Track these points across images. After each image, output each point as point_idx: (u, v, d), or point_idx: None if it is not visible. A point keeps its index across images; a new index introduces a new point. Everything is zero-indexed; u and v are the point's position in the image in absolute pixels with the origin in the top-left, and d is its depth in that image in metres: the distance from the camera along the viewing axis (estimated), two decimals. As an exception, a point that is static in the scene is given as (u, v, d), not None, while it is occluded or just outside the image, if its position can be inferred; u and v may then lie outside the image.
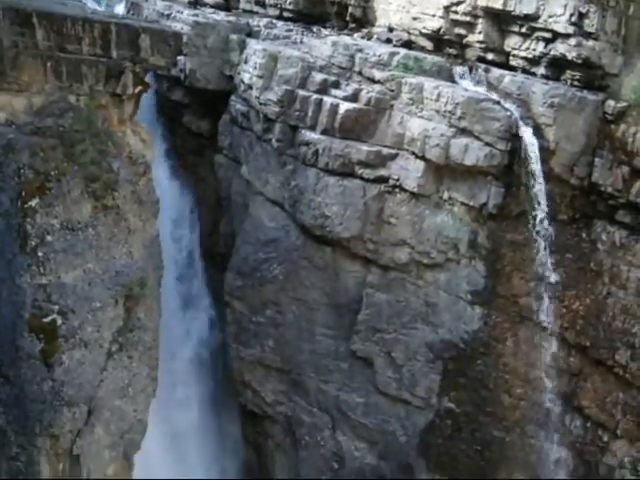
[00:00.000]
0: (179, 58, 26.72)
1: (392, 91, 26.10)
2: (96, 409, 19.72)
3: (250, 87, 27.98)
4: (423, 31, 27.68)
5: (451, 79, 26.40)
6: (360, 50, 26.89)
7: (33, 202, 18.31)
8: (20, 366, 18.30)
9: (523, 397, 26.37)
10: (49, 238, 18.45)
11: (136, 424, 21.06)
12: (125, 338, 20.50)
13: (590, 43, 24.83)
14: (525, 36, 25.84)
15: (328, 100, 26.42)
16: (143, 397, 21.32)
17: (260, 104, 27.60)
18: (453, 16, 26.75)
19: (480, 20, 26.36)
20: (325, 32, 29.71)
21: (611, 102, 24.70)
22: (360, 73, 26.77)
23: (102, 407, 19.88)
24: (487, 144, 24.85)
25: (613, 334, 25.17)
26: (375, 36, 28.68)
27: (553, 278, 25.45)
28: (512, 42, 26.28)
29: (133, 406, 20.88)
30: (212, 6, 32.27)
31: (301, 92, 26.84)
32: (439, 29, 27.20)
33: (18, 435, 18.35)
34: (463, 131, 25.04)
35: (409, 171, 25.89)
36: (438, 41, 27.69)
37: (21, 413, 18.32)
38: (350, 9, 29.71)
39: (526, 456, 26.62)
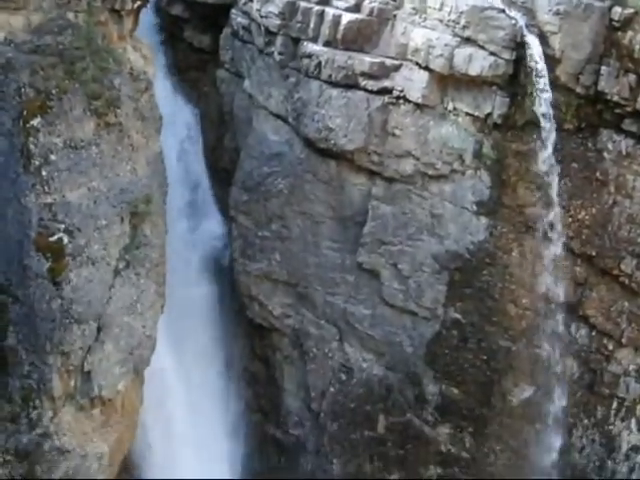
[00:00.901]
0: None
1: (395, 1, 25.69)
2: (105, 326, 19.87)
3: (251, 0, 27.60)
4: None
5: (454, -13, 25.95)
6: (362, -41, 26.40)
7: (35, 121, 18.17)
8: (29, 285, 18.39)
9: (529, 307, 26.52)
10: (53, 157, 18.38)
11: (145, 340, 21.23)
12: (132, 255, 20.55)
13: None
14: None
15: (330, 11, 26.02)
16: (151, 313, 21.46)
17: (261, 17, 27.20)
18: None
19: None
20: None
21: (618, 9, 24.11)
22: (362, -17, 26.34)
23: (111, 324, 20.02)
24: (492, 53, 24.48)
25: (619, 243, 25.19)
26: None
27: (558, 188, 25.42)
28: (515, -54, 25.76)
29: (142, 322, 21.02)
30: None
31: (302, 3, 26.39)
32: None
33: (29, 353, 18.54)
34: (467, 40, 24.66)
35: (413, 82, 25.61)
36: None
37: (31, 331, 18.48)
38: None
39: (532, 365, 26.92)
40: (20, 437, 18.56)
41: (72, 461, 19.44)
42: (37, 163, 18.22)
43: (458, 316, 27.33)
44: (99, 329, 19.79)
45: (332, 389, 28.85)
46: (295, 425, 29.63)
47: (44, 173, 18.27)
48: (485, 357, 27.24)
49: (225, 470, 28.65)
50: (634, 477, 28.02)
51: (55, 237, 18.65)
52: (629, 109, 24.09)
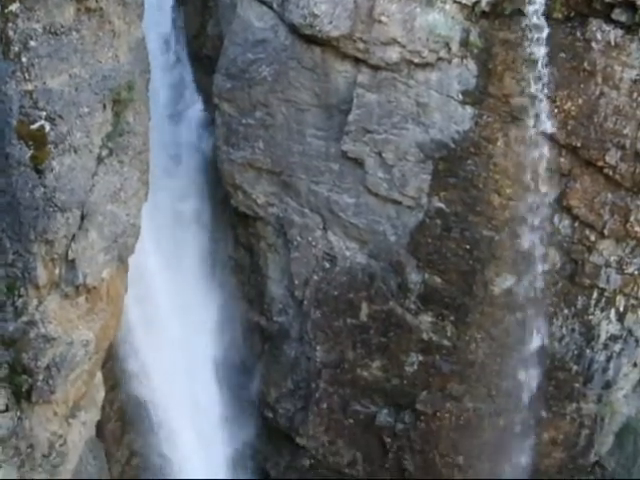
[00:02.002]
0: None
1: None
2: (89, 214, 19.68)
3: None
4: None
5: None
6: None
7: (13, 7, 17.62)
8: (11, 174, 18.15)
9: (512, 197, 26.59)
10: (32, 43, 17.92)
11: (129, 228, 21.07)
12: (115, 143, 20.27)
13: None
14: None
15: None
16: (135, 201, 21.28)
17: None
18: None
19: None
20: None
21: None
22: None
23: (95, 212, 19.83)
24: (480, -62, 24.06)
25: (604, 135, 25.14)
26: None
27: (545, 78, 25.20)
28: None
29: (126, 210, 20.83)
30: None
31: None
32: None
33: (13, 242, 18.45)
34: None
35: (400, -32, 25.14)
36: None
37: (15, 220, 18.34)
38: None
39: (514, 255, 27.15)
40: (6, 325, 18.59)
41: (58, 348, 19.49)
42: (16, 49, 17.77)
43: (442, 205, 27.38)
44: (83, 217, 19.60)
45: (316, 277, 29.04)
46: (279, 312, 29.93)
47: (24, 60, 17.85)
48: (468, 246, 27.43)
49: (209, 357, 29.03)
50: (611, 366, 28.71)
51: (37, 125, 18.34)
52: (619, -2, 23.77)
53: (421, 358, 29.20)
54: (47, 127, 18.40)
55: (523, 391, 28.83)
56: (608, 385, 29.34)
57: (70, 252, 19.33)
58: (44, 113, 18.32)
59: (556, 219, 26.83)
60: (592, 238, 26.68)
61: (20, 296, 18.81)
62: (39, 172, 18.46)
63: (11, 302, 18.72)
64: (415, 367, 29.35)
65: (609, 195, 25.98)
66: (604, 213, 26.17)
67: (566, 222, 26.78)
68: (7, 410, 18.94)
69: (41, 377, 19.30)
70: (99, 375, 22.31)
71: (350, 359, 29.60)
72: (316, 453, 30.77)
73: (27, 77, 18.00)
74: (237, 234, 29.85)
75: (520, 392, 28.85)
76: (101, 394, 22.57)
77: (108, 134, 20.00)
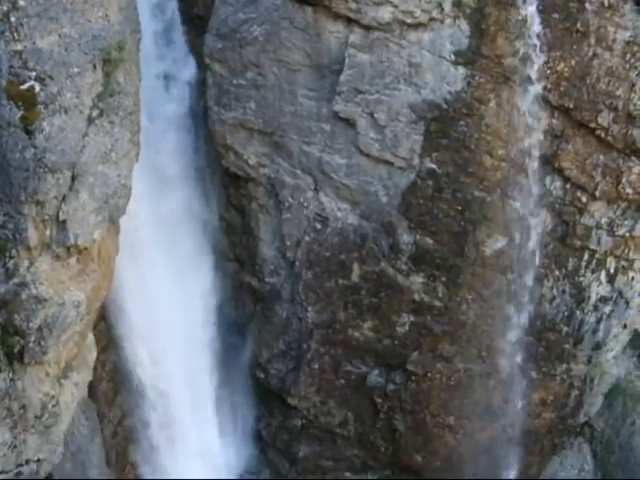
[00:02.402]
0: None
1: None
2: (80, 175, 19.60)
3: None
4: None
5: None
6: None
7: (2, -35, 17.60)
8: (1, 135, 18.09)
9: (504, 158, 26.56)
10: (21, 2, 17.71)
11: (120, 188, 21.01)
12: (105, 103, 20.14)
13: None
14: None
15: None
16: (126, 162, 21.20)
17: None
18: None
19: None
20: None
21: None
22: None
23: (86, 173, 19.76)
24: None
25: (597, 96, 25.10)
26: None
27: (538, 39, 25.07)
28: None
29: (117, 171, 20.76)
30: None
31: None
32: None
33: (4, 203, 18.39)
34: None
35: None
36: None
37: (5, 182, 18.27)
38: None
39: (505, 216, 27.17)
40: (-2, 287, 18.75)
41: (50, 309, 19.53)
42: (5, 9, 17.61)
43: (434, 166, 27.32)
44: (73, 178, 19.53)
45: (307, 238, 29.01)
46: (270, 273, 29.93)
47: (13, 19, 17.68)
48: (460, 207, 27.43)
49: (200, 318, 29.06)
50: (601, 327, 28.88)
51: (26, 85, 18.22)
52: (614, -43, 23.63)
53: (412, 319, 29.28)
54: (37, 87, 18.28)
55: (513, 352, 29.02)
56: (598, 346, 29.57)
57: (61, 213, 19.30)
58: (34, 73, 18.20)
59: (547, 181, 26.85)
60: (583, 200, 26.73)
61: (11, 257, 18.81)
62: (29, 133, 18.37)
63: (2, 264, 18.73)
64: (406, 328, 29.45)
65: (601, 157, 25.99)
66: (596, 175, 26.19)
67: (557, 184, 26.81)
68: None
69: (33, 338, 19.37)
70: (91, 336, 22.40)
71: (341, 320, 29.67)
72: (307, 413, 30.94)
73: (16, 37, 17.85)
74: (228, 195, 29.76)
75: (510, 353, 29.03)
76: (93, 355, 22.66)
77: (98, 94, 19.86)
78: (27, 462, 20.28)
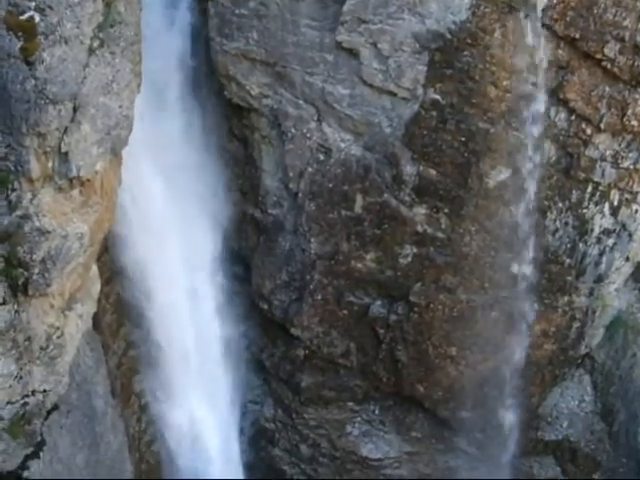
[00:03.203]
0: None
1: None
2: (81, 106, 19.47)
3: None
4: None
5: None
6: None
7: None
8: (1, 66, 17.98)
9: (509, 89, 26.31)
10: None
11: (122, 120, 20.88)
12: (106, 33, 19.93)
13: None
14: None
15: None
16: (128, 93, 21.03)
17: None
18: None
19: None
20: None
21: None
22: None
23: (87, 104, 19.62)
24: None
25: (603, 27, 24.81)
26: None
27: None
28: None
29: (118, 102, 20.61)
30: None
31: None
32: None
33: (5, 135, 18.29)
34: None
35: None
36: None
37: (6, 113, 18.14)
38: None
39: (510, 148, 27.06)
40: (0, 219, 18.62)
41: (53, 241, 19.55)
42: (3, -64, 17.44)
43: (437, 97, 27.09)
44: (75, 109, 19.41)
45: (310, 169, 28.92)
46: (273, 205, 29.92)
47: (11, -51, 17.52)
48: (463, 139, 27.28)
49: (204, 248, 29.10)
50: (604, 260, 28.95)
51: (26, 15, 18.02)
52: None
53: (415, 250, 29.32)
54: (37, 18, 18.09)
55: (516, 284, 29.13)
56: (600, 279, 29.67)
57: (63, 145, 19.21)
58: (33, 3, 18.01)
59: (552, 112, 26.66)
60: (588, 132, 26.59)
61: (14, 190, 18.77)
62: (29, 64, 18.22)
63: (4, 196, 18.70)
64: (409, 259, 29.50)
65: (607, 88, 25.77)
66: (601, 106, 26.00)
67: (562, 115, 26.63)
68: (4, 303, 19.09)
69: (37, 270, 19.42)
70: (94, 268, 22.47)
71: (344, 251, 29.72)
72: (310, 344, 31.17)
73: (15, -34, 17.64)
74: (231, 126, 29.61)
75: (513, 284, 29.14)
76: (97, 287, 22.75)
77: (99, 25, 19.66)
78: (33, 393, 20.48)
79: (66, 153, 19.34)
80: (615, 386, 31.11)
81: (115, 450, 25.98)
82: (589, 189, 27.85)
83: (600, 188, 27.81)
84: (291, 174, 29.11)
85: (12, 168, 18.63)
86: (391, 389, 31.95)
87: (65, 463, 22.46)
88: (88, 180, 20.13)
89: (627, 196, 28.07)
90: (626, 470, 30.64)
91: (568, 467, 32.36)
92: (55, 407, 21.94)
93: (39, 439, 21.29)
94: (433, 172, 27.97)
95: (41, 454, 21.30)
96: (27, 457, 20.87)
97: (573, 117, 26.51)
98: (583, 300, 30.03)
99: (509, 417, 31.23)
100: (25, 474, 20.80)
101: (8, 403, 19.94)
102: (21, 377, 19.98)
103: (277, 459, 33.56)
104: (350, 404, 32.53)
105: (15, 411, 20.22)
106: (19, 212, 18.96)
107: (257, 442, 33.55)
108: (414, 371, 31.05)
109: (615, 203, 28.18)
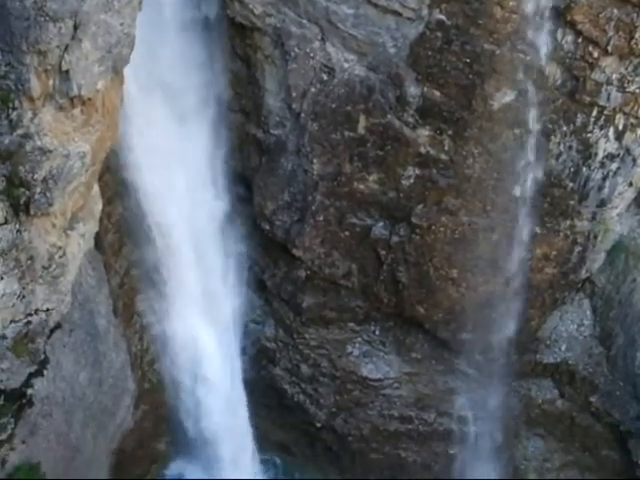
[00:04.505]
0: None
1: None
2: (82, 24, 19.23)
3: None
4: None
5: None
6: None
7: None
8: (-1, -14, 17.77)
9: (515, 10, 25.97)
10: None
11: (124, 38, 20.66)
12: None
13: None
14: None
15: None
16: (129, 10, 20.71)
17: None
18: None
19: None
20: None
21: None
22: None
23: (88, 21, 19.37)
24: None
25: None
26: None
27: None
28: None
29: (119, 20, 20.33)
30: None
31: None
32: None
33: (5, 54, 18.12)
34: None
35: None
36: None
37: (6, 31, 17.94)
38: None
39: (515, 70, 26.79)
40: (1, 138, 18.58)
41: (55, 160, 19.53)
42: None
43: (443, 17, 26.76)
44: (75, 27, 19.18)
45: (313, 89, 28.68)
46: (276, 125, 29.71)
47: None
48: (468, 60, 27.01)
49: (205, 168, 28.97)
50: (607, 184, 28.87)
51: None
52: None
53: (418, 172, 29.23)
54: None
55: (518, 207, 29.10)
56: (603, 203, 29.61)
57: (63, 63, 19.06)
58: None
59: (559, 34, 26.30)
60: (595, 55, 26.27)
61: (14, 109, 18.69)
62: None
63: (5, 115, 18.64)
64: (412, 180, 29.44)
65: (615, 11, 25.37)
66: (609, 29, 25.63)
67: (569, 38, 26.28)
68: (6, 223, 19.16)
69: (38, 190, 19.45)
70: (96, 187, 22.46)
71: (347, 172, 29.64)
72: (312, 265, 31.27)
73: None
74: (234, 46, 29.20)
75: (515, 208, 29.12)
76: (99, 206, 22.77)
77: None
78: (36, 312, 20.67)
79: (67, 71, 19.19)
80: (614, 310, 31.31)
81: (117, 368, 26.32)
82: (594, 113, 27.63)
83: (605, 112, 27.58)
84: (294, 94, 28.85)
85: (12, 87, 18.51)
86: (392, 310, 32.16)
87: (68, 381, 22.78)
88: (89, 99, 20.00)
89: (632, 120, 27.84)
90: (623, 393, 31.04)
91: (566, 390, 32.77)
92: (58, 326, 22.18)
93: (42, 357, 21.56)
94: (437, 93, 27.74)
95: (45, 372, 21.62)
96: (31, 375, 21.18)
97: (580, 40, 26.16)
98: (585, 224, 30.02)
99: (508, 340, 31.51)
100: (29, 392, 21.13)
101: (12, 322, 20.14)
102: (24, 296, 20.14)
103: (278, 378, 33.95)
104: (351, 324, 32.78)
105: (18, 330, 20.43)
106: (20, 131, 18.91)
107: (258, 361, 33.89)
108: (415, 292, 31.21)
109: (620, 127, 27.98)
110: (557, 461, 33.73)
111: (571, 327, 32.36)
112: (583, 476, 33.48)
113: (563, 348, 32.52)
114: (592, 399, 32.14)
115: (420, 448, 34.20)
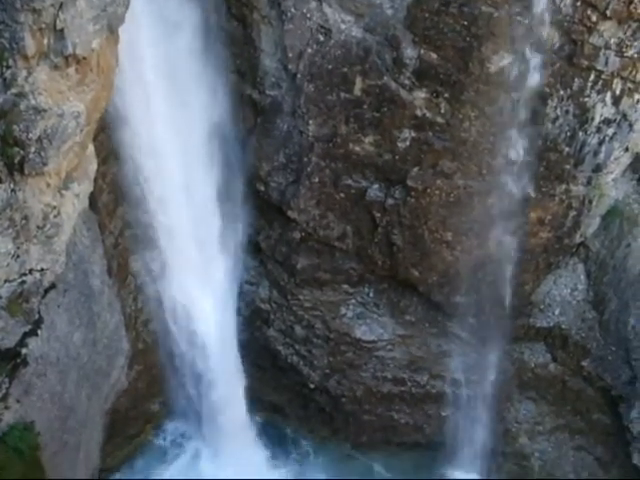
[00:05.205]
0: None
1: None
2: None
3: None
4: None
5: None
6: None
7: None
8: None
9: (514, -29, 25.88)
10: None
11: (119, -4, 20.57)
12: None
13: None
14: None
15: None
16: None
17: None
18: None
19: None
20: None
21: None
22: None
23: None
24: None
25: None
26: None
27: None
28: None
29: None
30: None
31: None
32: None
33: (-1, 11, 18.10)
34: None
35: None
36: None
37: (0, -10, 17.87)
38: None
39: (513, 33, 26.63)
40: (-5, 98, 18.53)
41: (49, 120, 19.40)
42: None
43: (439, -13, 26.59)
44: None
45: (310, 50, 28.53)
46: (272, 86, 29.58)
47: None
48: (466, 22, 26.86)
49: (201, 130, 28.84)
50: (603, 149, 28.83)
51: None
52: None
53: (414, 134, 29.15)
54: None
55: (513, 170, 29.07)
56: (598, 168, 29.58)
57: (58, 21, 18.87)
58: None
59: (557, -2, 26.27)
60: (593, 18, 26.10)
61: (8, 67, 18.52)
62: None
63: (-1, 74, 18.49)
64: (407, 143, 29.37)
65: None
66: (608, -6, 25.59)
67: (568, 1, 26.03)
68: (0, 182, 19.05)
69: (33, 149, 19.34)
70: (91, 147, 22.34)
71: (343, 133, 29.55)
72: (307, 226, 31.27)
73: None
74: (229, 5, 28.96)
75: (511, 171, 29.08)
76: (93, 166, 22.68)
77: None
78: (30, 272, 20.65)
79: (61, 30, 19.01)
80: (608, 275, 31.38)
81: (112, 329, 26.37)
82: (591, 77, 27.50)
83: (603, 77, 27.45)
84: (290, 55, 28.69)
85: (7, 45, 18.32)
86: (386, 272, 32.22)
87: (62, 341, 22.82)
88: (84, 58, 19.84)
89: (630, 85, 27.72)
90: (615, 358, 31.19)
91: (558, 354, 32.92)
92: (52, 286, 22.18)
93: (37, 317, 21.59)
94: (434, 56, 27.60)
95: (39, 332, 21.65)
96: (25, 335, 21.20)
97: (579, 3, 25.94)
98: (580, 189, 30.01)
99: (502, 303, 31.60)
100: (24, 351, 21.17)
101: (6, 281, 20.12)
102: (18, 256, 20.10)
103: (272, 339, 34.05)
104: (345, 286, 32.82)
105: (13, 289, 20.42)
106: (14, 90, 18.75)
107: (252, 322, 33.98)
108: (409, 255, 31.25)
109: (617, 92, 27.85)
110: (548, 424, 33.94)
111: (565, 291, 32.45)
112: (574, 439, 33.71)
113: (556, 312, 32.63)
114: (584, 363, 32.29)
115: (413, 410, 34.44)
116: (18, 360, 21.15)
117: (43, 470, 21.81)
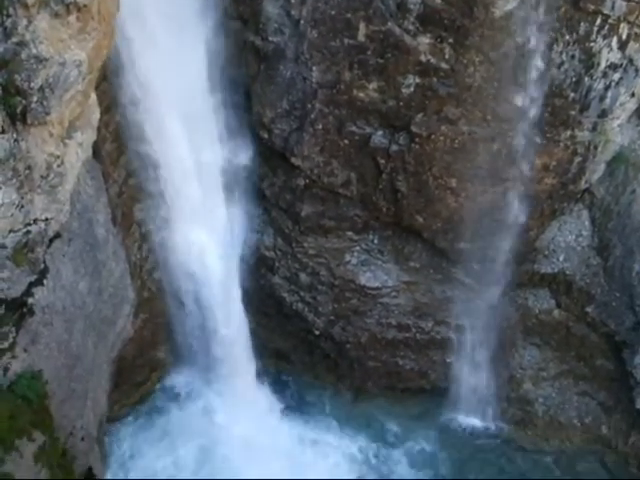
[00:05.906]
0: None
1: None
2: None
3: None
4: None
5: None
6: None
7: None
8: None
9: None
10: None
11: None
12: None
13: None
14: None
15: None
16: None
17: None
18: None
19: None
20: None
21: None
22: None
23: None
24: None
25: None
26: None
27: None
28: None
29: None
30: None
31: None
32: None
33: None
34: None
35: None
36: None
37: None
38: None
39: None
40: (-4, 48, 18.38)
41: (51, 69, 19.27)
42: None
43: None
44: None
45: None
46: (274, 32, 29.33)
47: None
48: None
49: (203, 76, 28.58)
50: (609, 95, 28.61)
51: None
52: None
53: (418, 80, 28.96)
54: None
55: (518, 117, 28.90)
56: (604, 114, 29.41)
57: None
58: None
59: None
60: None
61: (9, 16, 18.36)
62: None
63: (0, 23, 18.30)
64: (412, 89, 29.18)
65: None
66: None
67: None
68: (3, 132, 18.96)
69: (35, 98, 19.23)
70: (93, 96, 22.21)
71: (346, 80, 29.35)
72: (311, 173, 31.19)
73: None
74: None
75: (515, 117, 28.93)
76: (96, 115, 22.56)
77: None
78: (35, 221, 20.63)
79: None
80: (613, 221, 31.36)
81: (117, 277, 26.38)
82: (598, 22, 27.23)
83: (609, 21, 27.18)
84: (293, 0, 28.40)
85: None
86: (390, 219, 32.19)
87: (68, 290, 22.85)
88: (85, 5, 19.65)
89: (636, 30, 27.46)
90: (619, 304, 31.30)
91: (562, 300, 33.02)
92: (57, 235, 22.16)
93: (42, 267, 21.61)
94: (438, 0, 27.30)
95: (45, 281, 21.67)
96: (31, 284, 21.24)
97: None
98: (586, 135, 29.86)
99: (506, 249, 31.64)
100: (30, 301, 21.22)
101: (11, 231, 20.12)
102: (22, 206, 20.08)
103: (277, 287, 34.15)
104: (349, 233, 32.82)
105: (18, 239, 20.42)
106: (15, 39, 18.59)
107: (257, 270, 34.05)
108: (414, 202, 31.21)
109: (624, 37, 27.61)
110: (552, 370, 34.14)
111: (569, 237, 32.45)
112: (577, 385, 33.91)
113: (561, 258, 32.66)
114: (588, 309, 32.43)
115: (417, 356, 34.61)
116: (24, 310, 21.22)
117: (52, 418, 21.98)
